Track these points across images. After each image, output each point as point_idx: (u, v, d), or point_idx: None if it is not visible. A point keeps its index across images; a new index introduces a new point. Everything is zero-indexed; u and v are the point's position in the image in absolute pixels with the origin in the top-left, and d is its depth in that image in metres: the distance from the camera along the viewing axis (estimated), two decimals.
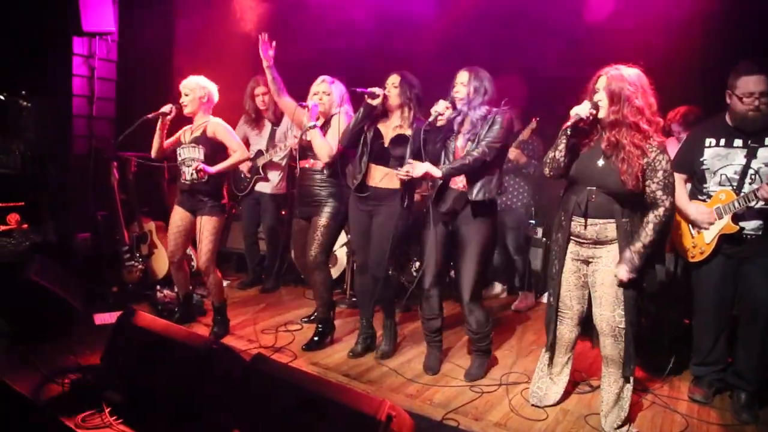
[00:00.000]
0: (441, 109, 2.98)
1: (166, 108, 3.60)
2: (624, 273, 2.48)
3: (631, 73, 2.49)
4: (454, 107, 3.04)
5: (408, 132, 3.23)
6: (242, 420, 2.19)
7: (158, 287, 4.32)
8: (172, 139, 3.69)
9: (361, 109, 3.25)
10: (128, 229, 4.43)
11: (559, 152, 2.61)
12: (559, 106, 2.81)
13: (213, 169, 3.52)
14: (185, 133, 3.67)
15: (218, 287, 3.69)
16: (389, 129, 3.32)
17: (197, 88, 3.58)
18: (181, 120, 3.73)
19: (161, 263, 4.51)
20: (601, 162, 2.56)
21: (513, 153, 4.40)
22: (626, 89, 2.44)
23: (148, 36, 4.94)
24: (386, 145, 3.29)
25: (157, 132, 3.62)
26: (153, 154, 3.71)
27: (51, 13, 4.21)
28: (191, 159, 3.57)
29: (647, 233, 2.46)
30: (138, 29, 4.79)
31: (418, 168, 2.95)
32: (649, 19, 4.26)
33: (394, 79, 3.27)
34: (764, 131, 2.83)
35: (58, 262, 3.85)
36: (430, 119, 2.98)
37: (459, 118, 3.07)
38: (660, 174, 2.45)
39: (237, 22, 5.00)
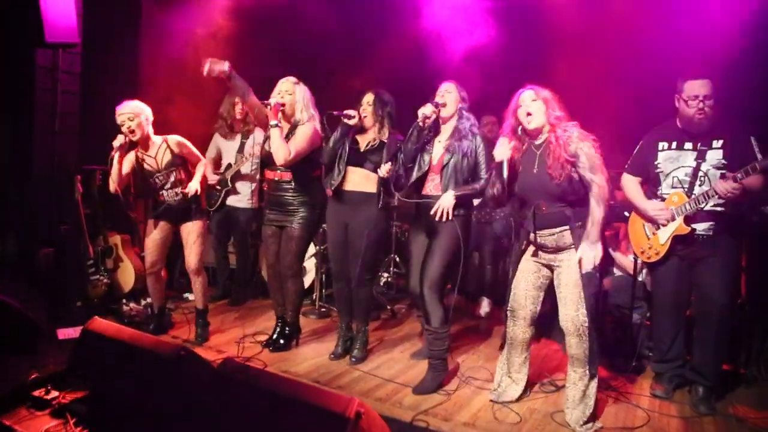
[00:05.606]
0: (428, 112, 3.08)
1: (120, 141, 3.53)
2: (588, 256, 2.56)
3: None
4: (439, 113, 3.17)
5: (384, 139, 3.39)
6: (212, 425, 2.18)
7: (124, 301, 4.24)
8: (126, 168, 3.64)
9: (339, 129, 3.38)
10: (93, 242, 4.36)
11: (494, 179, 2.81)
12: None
13: (197, 185, 3.64)
14: (146, 159, 3.63)
15: (205, 289, 3.85)
16: (365, 140, 3.46)
17: (138, 110, 3.55)
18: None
19: (127, 277, 4.44)
20: (536, 169, 2.71)
21: None
22: (549, 95, 2.69)
23: (113, 48, 4.90)
24: (362, 150, 3.41)
25: (115, 166, 3.54)
26: (114, 188, 3.58)
27: (12, 24, 4.13)
28: (171, 182, 3.64)
29: (594, 209, 2.58)
30: (103, 41, 4.73)
31: (447, 199, 3.05)
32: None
33: (368, 98, 3.42)
34: (711, 133, 2.96)
35: (20, 277, 3.76)
36: (419, 120, 3.08)
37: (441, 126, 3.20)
38: (584, 158, 2.60)
39: (204, 34, 5.01)
